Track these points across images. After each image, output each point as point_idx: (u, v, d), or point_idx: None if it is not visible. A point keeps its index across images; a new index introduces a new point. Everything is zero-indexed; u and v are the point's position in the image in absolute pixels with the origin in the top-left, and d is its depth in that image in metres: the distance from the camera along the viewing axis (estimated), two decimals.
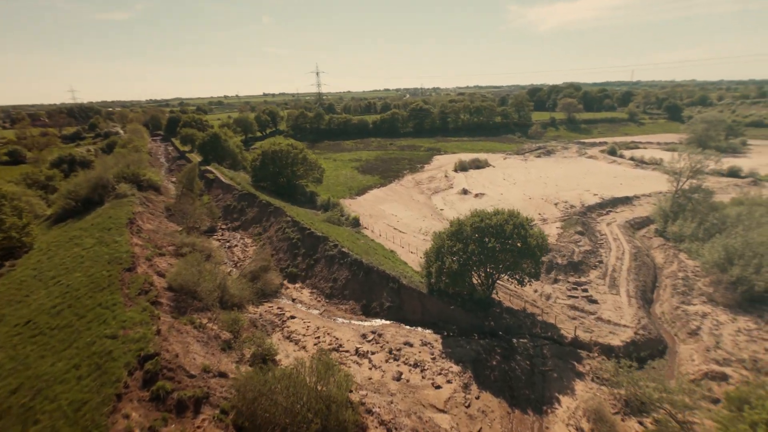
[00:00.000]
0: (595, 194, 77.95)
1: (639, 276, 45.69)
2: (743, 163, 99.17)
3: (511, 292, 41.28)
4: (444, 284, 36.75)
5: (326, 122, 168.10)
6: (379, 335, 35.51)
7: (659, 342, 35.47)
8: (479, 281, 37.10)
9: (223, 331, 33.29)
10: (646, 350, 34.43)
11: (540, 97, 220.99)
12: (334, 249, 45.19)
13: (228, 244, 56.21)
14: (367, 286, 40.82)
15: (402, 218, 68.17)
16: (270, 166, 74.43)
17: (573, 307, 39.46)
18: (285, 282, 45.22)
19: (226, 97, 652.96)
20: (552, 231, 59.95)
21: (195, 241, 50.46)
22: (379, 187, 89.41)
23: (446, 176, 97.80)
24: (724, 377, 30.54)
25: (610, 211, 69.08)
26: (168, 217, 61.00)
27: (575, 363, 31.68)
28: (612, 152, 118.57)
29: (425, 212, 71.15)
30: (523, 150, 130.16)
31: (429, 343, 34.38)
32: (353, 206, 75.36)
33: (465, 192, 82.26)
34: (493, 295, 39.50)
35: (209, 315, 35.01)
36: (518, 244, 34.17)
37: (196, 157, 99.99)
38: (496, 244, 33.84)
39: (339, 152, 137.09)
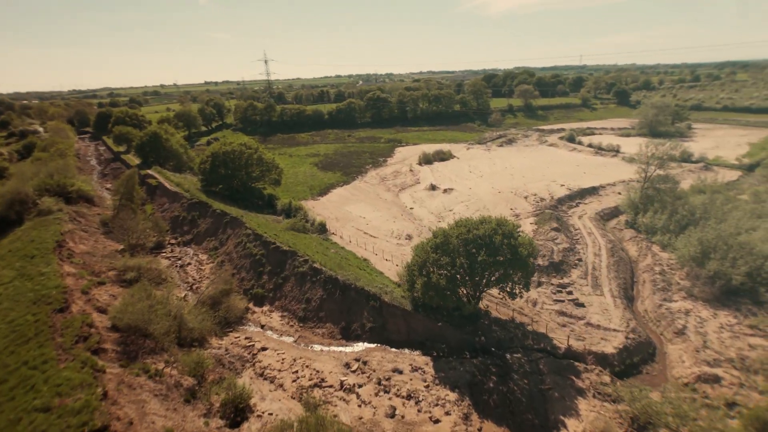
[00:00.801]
0: (562, 185, 79.17)
1: (619, 273, 46.16)
2: (692, 147, 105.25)
3: (498, 301, 40.03)
4: (430, 300, 34.62)
5: (278, 114, 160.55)
6: (365, 363, 32.89)
7: (649, 345, 35.61)
8: (466, 295, 35.32)
9: (185, 377, 29.25)
10: (638, 355, 34.40)
11: (496, 83, 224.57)
12: (305, 265, 41.71)
13: (180, 262, 50.85)
14: (346, 306, 37.93)
15: (371, 220, 65.43)
16: (221, 169, 68.67)
17: (561, 313, 38.88)
18: (251, 305, 41.24)
19: (162, 86, 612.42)
20: (527, 227, 59.73)
21: (141, 262, 44.96)
22: (343, 186, 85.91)
23: (411, 170, 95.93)
24: (716, 379, 30.90)
25: (580, 202, 70.26)
26: (105, 233, 54.34)
27: (574, 378, 30.83)
28: (571, 139, 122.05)
29: (395, 212, 68.82)
30: (484, 139, 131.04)
31: (420, 368, 32.25)
32: (317, 209, 71.54)
33: (433, 188, 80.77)
34: (480, 305, 38.03)
35: (166, 357, 30.71)
36: (508, 256, 32.58)
37: (133, 159, 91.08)
38: (485, 256, 32.04)
39: (294, 146, 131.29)
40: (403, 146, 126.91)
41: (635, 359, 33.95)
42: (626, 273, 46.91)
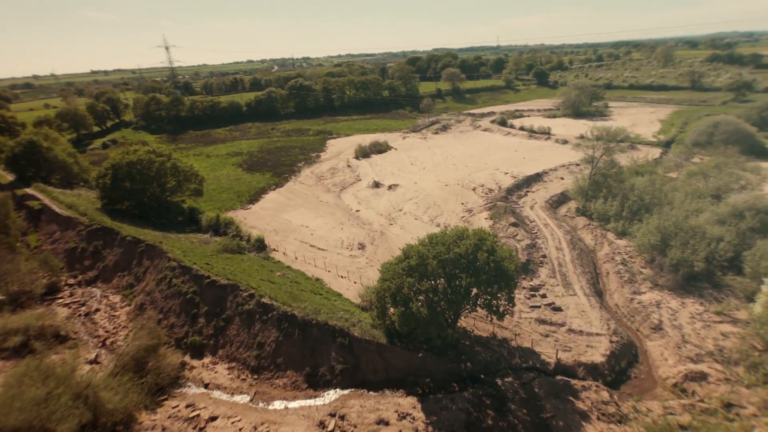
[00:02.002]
0: (506, 173, 79.62)
1: (584, 267, 46.18)
2: (613, 126, 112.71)
3: (475, 315, 37.48)
4: (411, 332, 30.86)
5: (188, 108, 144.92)
6: (342, 417, 28.33)
7: (631, 345, 35.38)
8: (446, 319, 32.09)
9: None
10: (624, 358, 33.91)
11: (420, 66, 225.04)
12: (251, 301, 35.58)
13: (84, 309, 41.44)
14: (308, 347, 32.80)
15: (315, 229, 59.86)
16: (126, 183, 58.23)
17: (541, 321, 37.40)
18: (187, 359, 34.27)
19: (36, 77, 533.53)
20: (482, 223, 58.40)
21: (28, 320, 35.61)
22: (276, 189, 78.63)
23: (349, 166, 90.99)
24: (703, 376, 31.15)
25: (528, 191, 70.84)
26: None
27: (573, 400, 29.14)
28: (503, 123, 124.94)
29: (340, 217, 63.83)
30: (418, 126, 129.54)
31: (407, 414, 28.48)
32: (250, 220, 64.15)
33: (377, 185, 76.82)
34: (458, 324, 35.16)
35: None
36: (493, 274, 29.74)
37: (4, 176, 75.05)
38: (470, 278, 28.87)
39: (211, 144, 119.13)
40: (334, 138, 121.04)
41: (622, 364, 33.38)
42: (590, 266, 47.17)
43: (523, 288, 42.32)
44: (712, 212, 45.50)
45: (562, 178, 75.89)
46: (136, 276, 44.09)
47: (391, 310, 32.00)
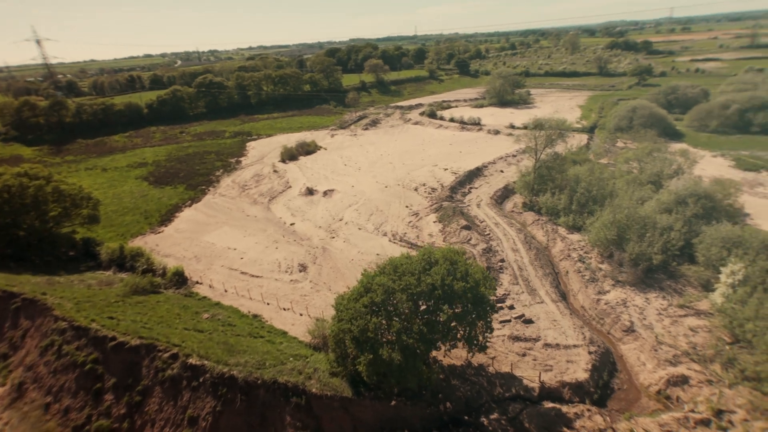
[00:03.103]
0: (445, 169, 77.79)
1: (545, 269, 44.89)
2: (538, 113, 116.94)
3: None
4: (383, 382, 26.39)
5: (73, 112, 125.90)
6: None
7: (608, 353, 34.16)
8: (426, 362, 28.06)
9: None
10: (604, 369, 32.50)
11: (340, 58, 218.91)
12: (174, 363, 28.64)
13: None
14: (256, 415, 26.92)
15: (246, 251, 52.81)
16: None
17: (515, 338, 34.92)
18: None
19: None
20: (432, 228, 55.48)
21: None
22: (192, 205, 69.39)
23: (276, 171, 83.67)
24: (684, 380, 30.51)
25: (471, 188, 69.37)
26: None
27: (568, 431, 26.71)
28: (432, 115, 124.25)
29: (273, 234, 57.23)
30: (346, 122, 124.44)
31: None
32: (164, 246, 55.23)
33: (310, 191, 70.81)
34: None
35: None
36: (471, 303, 26.20)
37: None
38: (448, 311, 25.04)
39: (107, 155, 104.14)
40: (254, 139, 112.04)
41: (605, 376, 31.89)
42: (549, 266, 46.05)
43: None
44: (658, 201, 46.46)
45: (502, 171, 75.73)
46: (11, 343, 34.42)
47: (361, 361, 27.19)
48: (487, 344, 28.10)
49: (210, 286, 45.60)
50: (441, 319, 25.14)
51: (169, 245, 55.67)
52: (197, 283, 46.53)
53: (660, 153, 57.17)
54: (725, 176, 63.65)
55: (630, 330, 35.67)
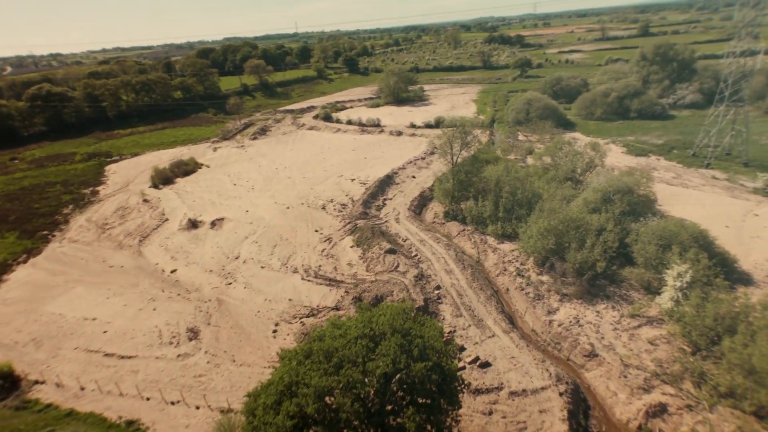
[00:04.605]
0: (353, 179, 71.21)
1: (485, 291, 40.62)
2: (436, 110, 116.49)
3: None
4: None
5: None
6: None
7: (576, 388, 30.44)
8: None
9: None
10: (578, 409, 28.65)
11: (215, 59, 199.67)
12: None
13: None
14: None
15: (110, 320, 40.42)
16: None
17: (476, 392, 29.45)
18: None
19: None
20: (350, 256, 48.45)
21: None
22: (28, 260, 53.36)
23: (146, 200, 69.37)
24: (662, 408, 27.80)
25: (385, 199, 63.65)
26: None
27: None
28: (328, 118, 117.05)
29: (148, 288, 45.23)
30: (230, 132, 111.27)
31: None
32: None
33: (194, 224, 58.97)
34: None
35: None
36: (435, 392, 19.74)
37: None
38: (414, 416, 18.19)
39: None
40: (116, 161, 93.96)
41: (582, 420, 27.98)
42: (488, 286, 41.97)
43: None
44: (585, 200, 45.15)
45: (414, 177, 71.46)
46: None
47: None
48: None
49: (58, 385, 33.09)
50: (406, 424, 18.17)
51: None
52: (37, 383, 33.57)
53: (570, 147, 57.12)
54: (622, 164, 67.17)
55: (592, 354, 32.56)
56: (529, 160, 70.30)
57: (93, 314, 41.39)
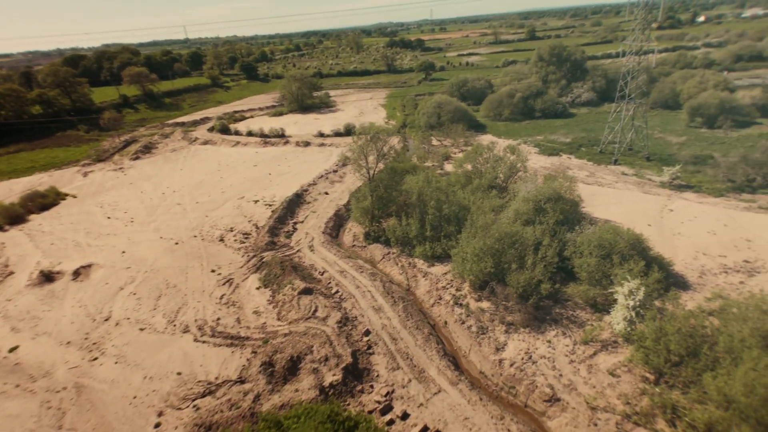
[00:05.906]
0: (256, 201, 61.83)
1: (422, 329, 34.53)
2: (344, 117, 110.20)
3: None
4: None
5: None
6: None
7: None
8: None
9: None
10: None
11: (87, 67, 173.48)
12: None
13: None
14: None
15: None
16: None
17: None
18: None
19: None
20: (257, 301, 39.76)
21: None
22: None
23: None
24: None
25: (296, 223, 55.38)
26: None
27: None
28: (225, 130, 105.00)
29: None
30: (106, 152, 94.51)
31: None
32: None
33: (48, 277, 45.77)
34: None
35: None
36: None
37: None
38: None
39: None
40: None
41: None
42: (424, 322, 36.01)
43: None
44: (516, 211, 41.32)
45: (327, 193, 63.98)
46: None
47: None
48: None
49: None
50: None
51: None
52: None
53: (489, 152, 53.84)
54: (537, 164, 66.23)
55: (553, 399, 27.84)
56: (447, 167, 66.72)
57: None
